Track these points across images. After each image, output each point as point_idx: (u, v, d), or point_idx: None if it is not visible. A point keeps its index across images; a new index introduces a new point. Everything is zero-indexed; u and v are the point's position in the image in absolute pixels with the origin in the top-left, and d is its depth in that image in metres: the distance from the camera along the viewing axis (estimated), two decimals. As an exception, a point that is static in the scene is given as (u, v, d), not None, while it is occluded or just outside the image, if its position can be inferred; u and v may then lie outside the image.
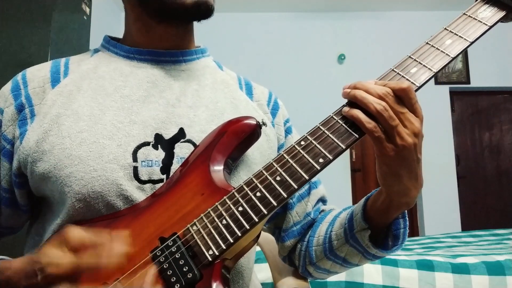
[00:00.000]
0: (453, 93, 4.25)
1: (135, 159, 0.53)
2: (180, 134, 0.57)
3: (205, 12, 0.60)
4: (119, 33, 0.68)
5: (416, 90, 0.48)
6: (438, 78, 4.17)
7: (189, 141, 0.57)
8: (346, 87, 0.50)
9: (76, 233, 0.42)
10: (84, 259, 0.40)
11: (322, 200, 0.72)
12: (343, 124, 0.48)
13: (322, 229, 0.64)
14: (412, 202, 0.51)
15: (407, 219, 0.55)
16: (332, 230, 0.61)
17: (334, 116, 0.49)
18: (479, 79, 4.18)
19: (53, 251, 0.41)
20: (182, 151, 0.56)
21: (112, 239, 0.43)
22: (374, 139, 0.46)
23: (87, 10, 1.97)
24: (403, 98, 0.46)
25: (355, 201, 3.87)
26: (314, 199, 0.69)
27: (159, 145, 0.55)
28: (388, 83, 0.48)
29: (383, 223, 0.55)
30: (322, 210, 0.71)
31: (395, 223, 0.54)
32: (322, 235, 0.63)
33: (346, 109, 0.48)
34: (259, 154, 0.62)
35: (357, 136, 0.47)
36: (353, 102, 0.48)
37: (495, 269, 1.24)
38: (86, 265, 0.40)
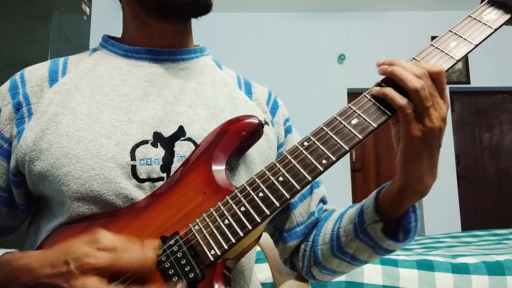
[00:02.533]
0: (453, 93, 4.25)
1: (133, 157, 0.53)
2: (180, 132, 0.56)
3: (204, 8, 0.59)
4: (119, 33, 0.68)
5: None
6: (438, 78, 4.17)
7: (189, 139, 0.56)
8: (381, 63, 0.50)
9: (108, 235, 0.42)
10: (123, 256, 0.40)
11: (323, 201, 0.71)
12: (346, 125, 0.48)
13: (328, 227, 0.64)
14: (427, 191, 0.51)
15: (418, 213, 0.55)
16: (340, 226, 0.61)
17: (337, 117, 0.49)
18: (479, 79, 4.18)
19: (86, 246, 0.41)
20: (182, 149, 0.55)
21: (144, 245, 0.43)
22: (405, 117, 0.47)
23: (87, 10, 1.97)
24: (437, 81, 0.47)
25: (355, 201, 3.87)
26: (316, 198, 0.69)
27: (158, 143, 0.55)
28: (423, 64, 0.48)
29: (394, 216, 0.55)
30: (325, 210, 0.70)
31: (406, 217, 0.54)
32: (328, 233, 0.63)
33: (377, 88, 0.49)
34: (258, 153, 0.62)
35: (360, 137, 0.47)
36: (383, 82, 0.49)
37: (495, 269, 1.24)
38: (122, 263, 0.39)
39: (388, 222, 0.55)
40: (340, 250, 0.60)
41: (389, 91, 0.47)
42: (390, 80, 0.49)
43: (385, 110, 0.48)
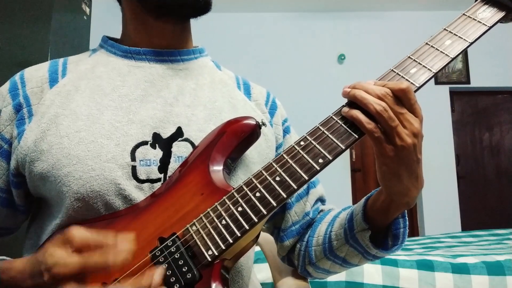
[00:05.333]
0: (453, 93, 4.25)
1: (133, 158, 0.53)
2: (178, 133, 0.57)
3: (203, 6, 0.60)
4: (120, 33, 0.68)
5: (415, 91, 0.48)
6: (438, 78, 4.17)
7: (186, 140, 0.57)
8: (346, 87, 0.50)
9: (80, 233, 0.42)
10: (91, 258, 0.40)
11: (321, 200, 0.72)
12: (342, 125, 0.48)
13: (322, 229, 0.64)
14: (412, 202, 0.51)
15: (407, 218, 0.55)
16: (332, 230, 0.61)
17: (333, 117, 0.49)
18: (479, 79, 4.18)
19: (58, 251, 0.41)
20: (180, 150, 0.56)
21: (117, 238, 0.42)
22: (374, 140, 0.46)
23: (87, 10, 1.97)
24: (402, 98, 0.46)
25: (355, 201, 3.87)
26: (312, 198, 0.69)
27: (157, 144, 0.55)
28: (387, 83, 0.47)
29: (383, 223, 0.55)
30: (321, 210, 0.71)
31: (395, 223, 0.55)
32: (321, 235, 0.63)
33: (346, 109, 0.48)
34: (257, 154, 0.62)
35: (356, 136, 0.47)
36: (353, 103, 0.48)
37: (495, 269, 1.24)
38: (93, 264, 0.39)
39: (377, 229, 0.55)
40: (332, 253, 0.61)
41: (356, 114, 0.46)
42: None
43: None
